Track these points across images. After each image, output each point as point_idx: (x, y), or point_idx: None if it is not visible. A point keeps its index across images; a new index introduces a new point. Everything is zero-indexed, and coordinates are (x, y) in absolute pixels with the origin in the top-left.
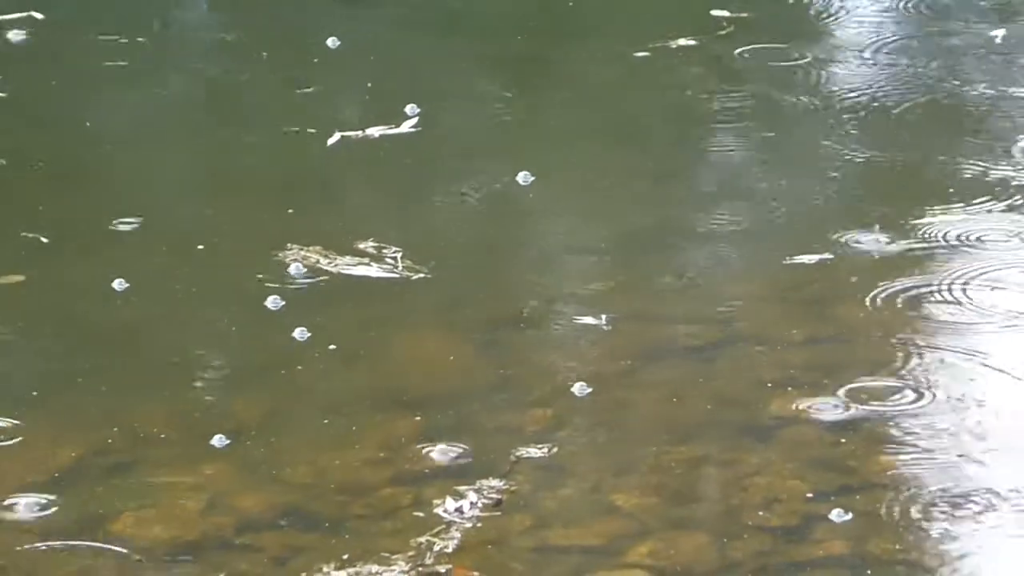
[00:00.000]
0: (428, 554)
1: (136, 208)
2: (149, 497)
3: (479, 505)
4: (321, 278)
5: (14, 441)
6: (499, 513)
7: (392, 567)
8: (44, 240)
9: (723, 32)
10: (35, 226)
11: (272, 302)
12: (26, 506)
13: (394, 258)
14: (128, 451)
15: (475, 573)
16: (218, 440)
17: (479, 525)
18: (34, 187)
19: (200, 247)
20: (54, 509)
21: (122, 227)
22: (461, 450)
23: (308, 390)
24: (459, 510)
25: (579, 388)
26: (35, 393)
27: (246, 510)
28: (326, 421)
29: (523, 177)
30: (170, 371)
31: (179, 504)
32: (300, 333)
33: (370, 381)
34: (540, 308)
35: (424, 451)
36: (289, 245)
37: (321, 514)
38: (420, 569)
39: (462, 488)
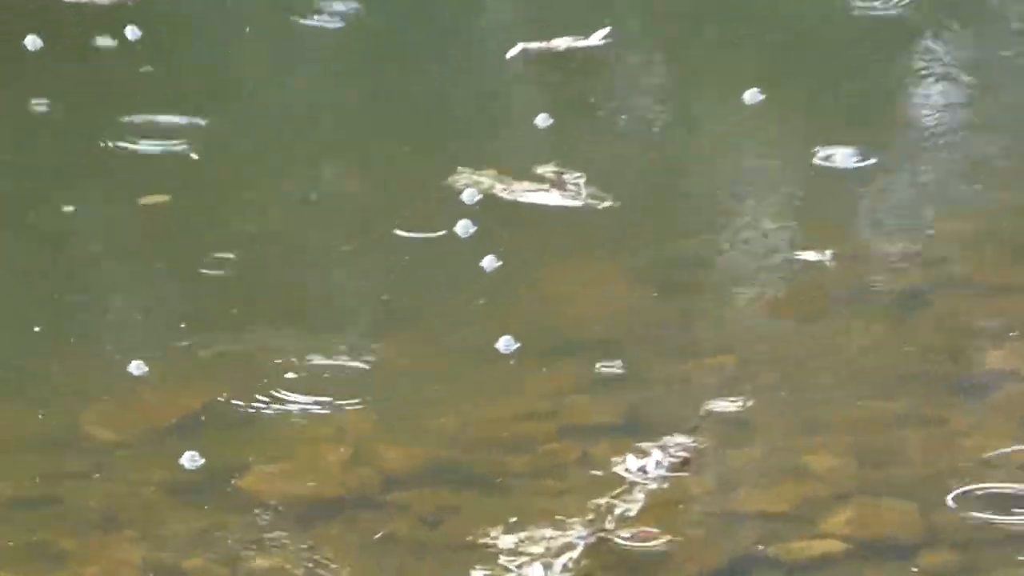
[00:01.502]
0: (608, 517)
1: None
2: (286, 448)
3: (665, 464)
4: (496, 206)
5: (140, 382)
6: (686, 474)
7: (567, 531)
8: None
9: None
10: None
11: (449, 229)
12: (153, 456)
13: (577, 184)
14: (259, 399)
15: (660, 533)
16: (362, 385)
17: (665, 486)
18: None
19: (367, 169)
20: (182, 460)
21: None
22: (638, 401)
23: (466, 329)
24: (643, 469)
25: (767, 332)
26: (183, 326)
27: (392, 464)
28: (483, 366)
29: (751, 96)
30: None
31: (319, 457)
32: (469, 263)
33: (538, 320)
34: (730, 245)
35: (595, 402)
36: (460, 170)
37: (476, 471)
38: (601, 534)
39: (644, 444)
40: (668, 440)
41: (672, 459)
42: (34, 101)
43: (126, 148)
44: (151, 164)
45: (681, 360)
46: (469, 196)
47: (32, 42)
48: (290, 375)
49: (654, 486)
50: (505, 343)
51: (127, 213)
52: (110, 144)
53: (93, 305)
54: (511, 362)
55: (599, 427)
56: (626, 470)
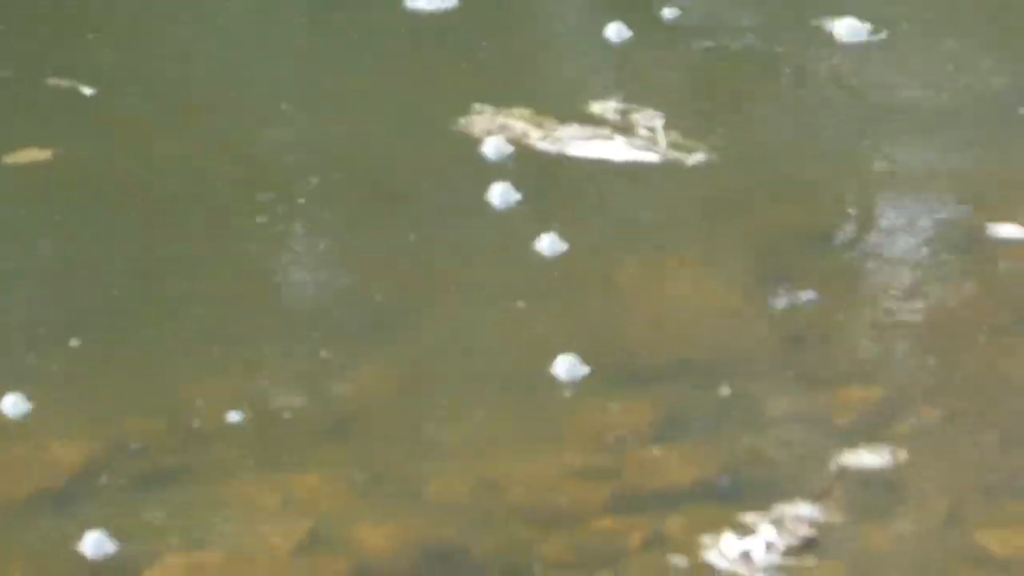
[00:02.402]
0: None
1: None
2: (215, 526)
3: (780, 547)
4: (533, 162)
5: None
6: (811, 562)
7: None
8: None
9: None
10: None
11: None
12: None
13: (652, 129)
14: (183, 448)
15: None
16: (332, 428)
17: None
18: None
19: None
20: (83, 545)
21: None
22: (739, 452)
23: (482, 347)
24: (746, 556)
25: (928, 353)
26: (74, 343)
27: (370, 550)
28: (516, 399)
29: (848, 30)
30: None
31: (263, 539)
32: (505, 244)
33: (589, 334)
34: (878, 219)
35: (675, 454)
36: (478, 107)
37: (490, 559)
38: None
39: (746, 517)
40: (784, 511)
41: (791, 539)
42: None
43: None
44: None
45: (804, 393)
46: (495, 149)
47: None
48: (229, 413)
49: None
50: (568, 367)
51: None
52: None
53: None
54: (563, 394)
55: (679, 491)
56: (721, 557)
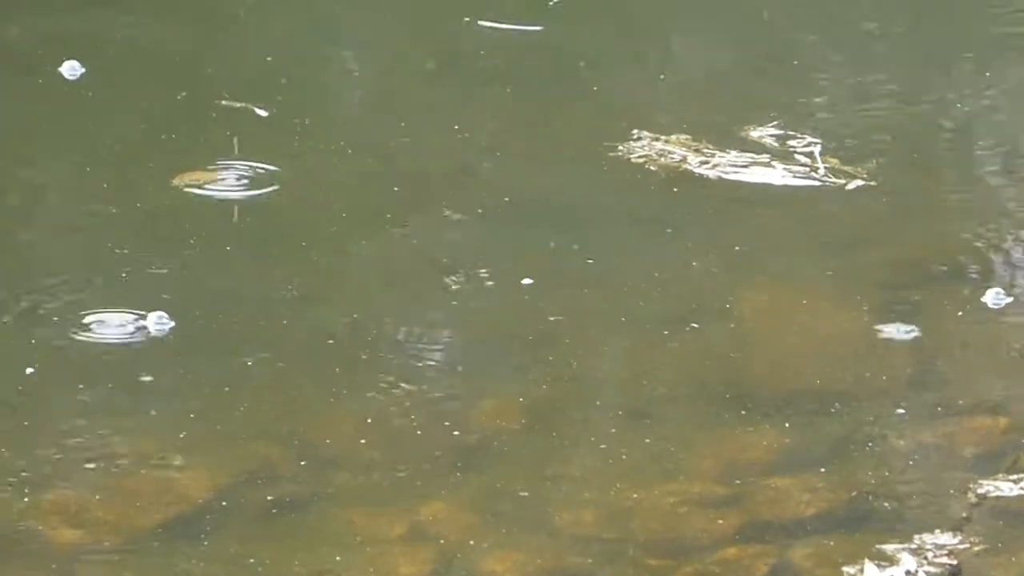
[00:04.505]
0: None
1: None
2: (340, 555)
3: None
4: (692, 186)
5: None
6: None
7: None
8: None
9: None
10: None
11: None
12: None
13: (810, 154)
14: (301, 477)
15: None
16: (461, 455)
17: None
18: None
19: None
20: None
21: None
22: (873, 481)
23: (610, 377)
24: None
25: None
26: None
27: None
28: (636, 426)
29: None
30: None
31: (389, 567)
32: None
33: (715, 363)
34: (1003, 263)
35: (791, 483)
36: (635, 133)
37: None
38: None
39: (888, 548)
40: (923, 540)
41: (933, 569)
42: None
43: None
44: None
45: (930, 422)
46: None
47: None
48: (357, 441)
49: None
50: (693, 396)
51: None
52: None
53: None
54: (689, 424)
55: (805, 521)
56: None
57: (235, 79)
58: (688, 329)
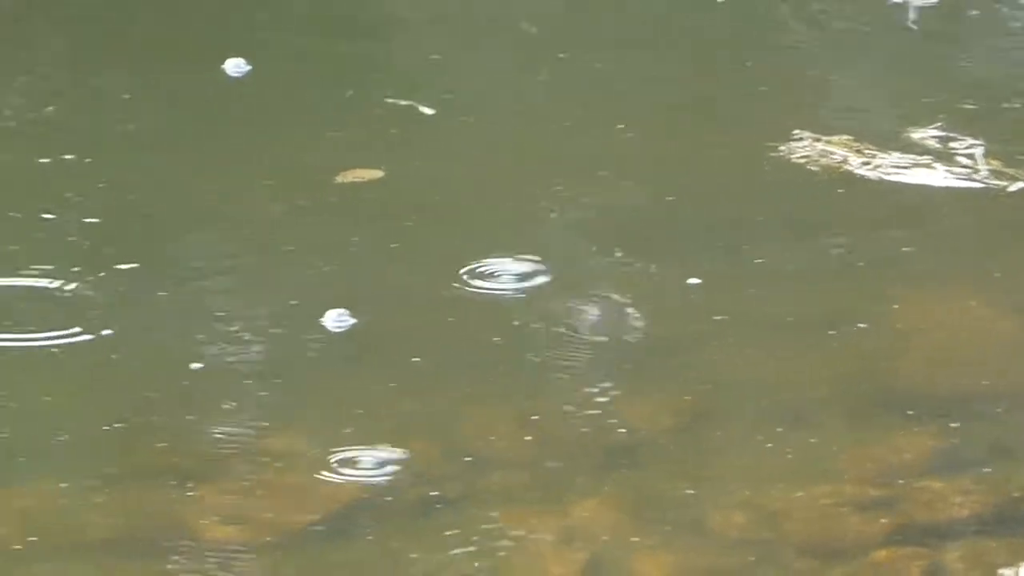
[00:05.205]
0: None
1: None
2: (493, 554)
3: None
4: (846, 187)
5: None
6: None
7: None
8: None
9: None
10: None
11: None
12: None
13: (971, 156)
14: (458, 471)
15: None
16: (613, 455)
17: None
18: None
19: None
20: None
21: None
22: (1015, 489)
23: (761, 379)
24: None
25: None
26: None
27: None
28: (784, 432)
29: None
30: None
31: (538, 563)
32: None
33: (865, 365)
34: None
35: (944, 485)
36: (797, 133)
37: None
38: None
39: None
40: None
41: None
42: None
43: None
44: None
45: None
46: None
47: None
48: (509, 440)
49: None
50: (838, 398)
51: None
52: None
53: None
54: (840, 426)
55: (958, 524)
56: None
57: (400, 78)
58: (848, 330)
